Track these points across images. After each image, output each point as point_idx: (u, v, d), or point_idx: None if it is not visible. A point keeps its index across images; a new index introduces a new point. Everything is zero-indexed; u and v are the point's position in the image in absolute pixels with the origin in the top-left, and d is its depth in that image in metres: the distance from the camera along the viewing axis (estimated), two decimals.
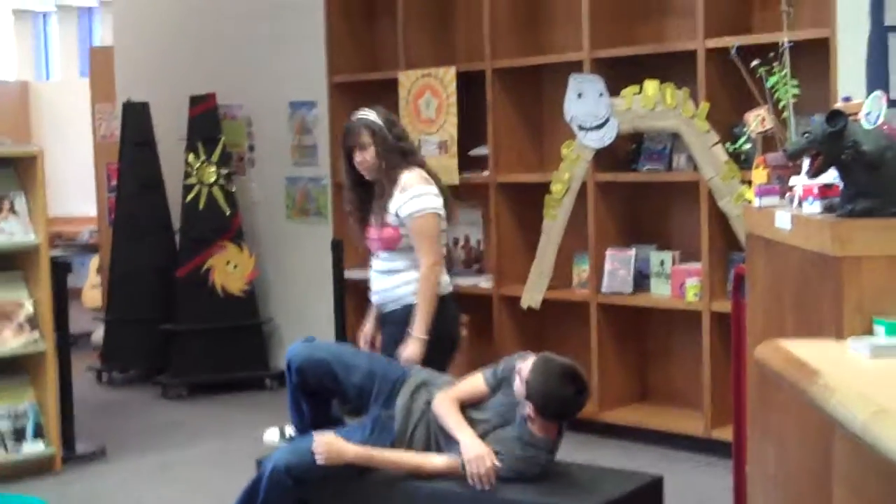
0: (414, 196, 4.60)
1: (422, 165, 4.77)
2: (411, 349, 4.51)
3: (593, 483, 3.87)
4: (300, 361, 4.31)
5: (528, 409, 3.80)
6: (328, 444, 3.97)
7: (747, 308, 3.44)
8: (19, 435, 5.90)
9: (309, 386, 4.31)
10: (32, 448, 5.92)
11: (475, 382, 4.05)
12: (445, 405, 3.99)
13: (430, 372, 4.25)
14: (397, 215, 4.60)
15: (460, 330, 4.90)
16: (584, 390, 3.81)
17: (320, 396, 4.39)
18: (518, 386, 3.83)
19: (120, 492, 5.68)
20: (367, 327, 4.94)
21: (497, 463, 3.81)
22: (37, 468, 5.94)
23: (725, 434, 5.48)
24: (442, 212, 4.67)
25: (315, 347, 4.40)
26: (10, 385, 5.96)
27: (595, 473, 4.11)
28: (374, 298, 4.80)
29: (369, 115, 4.72)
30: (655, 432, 6.15)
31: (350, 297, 7.17)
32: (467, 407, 4.00)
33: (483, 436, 3.90)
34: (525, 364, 3.85)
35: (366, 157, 4.64)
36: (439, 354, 4.55)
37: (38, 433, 5.95)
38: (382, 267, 4.71)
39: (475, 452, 3.82)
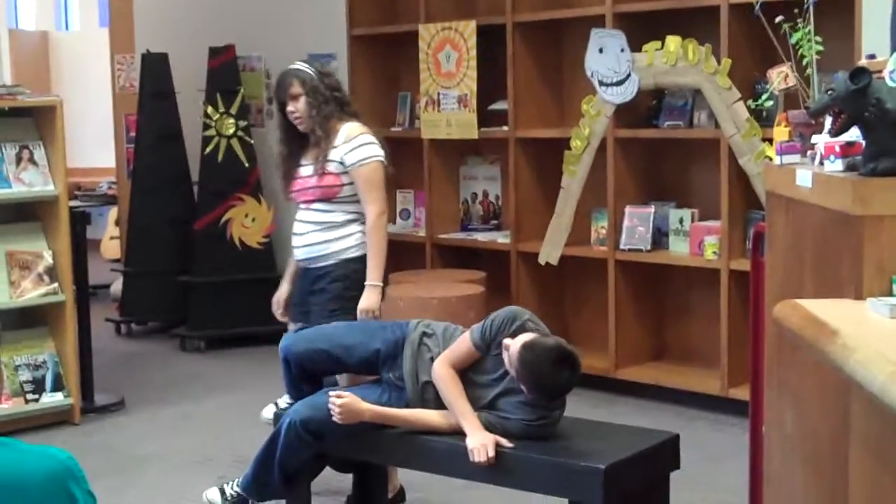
0: (361, 144, 4.54)
1: (357, 117, 4.69)
2: (371, 298, 4.47)
3: (608, 440, 3.87)
4: (298, 356, 4.25)
5: (524, 388, 3.77)
6: (344, 405, 3.97)
7: (766, 267, 3.42)
8: (39, 386, 5.93)
9: (309, 373, 4.28)
10: (51, 399, 5.96)
11: (465, 346, 3.95)
12: (446, 381, 3.91)
13: (427, 323, 4.20)
14: (341, 163, 4.52)
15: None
16: (576, 368, 3.74)
17: (321, 378, 4.36)
18: (509, 367, 3.78)
19: (138, 443, 5.71)
20: (284, 290, 4.82)
21: (507, 444, 3.78)
22: (56, 419, 5.99)
23: (742, 393, 5.48)
24: (386, 162, 4.61)
25: (309, 339, 4.29)
26: (29, 336, 6.00)
27: (610, 431, 4.10)
28: (302, 253, 4.64)
29: (299, 65, 4.68)
30: (672, 390, 6.14)
31: None
32: (468, 371, 3.95)
33: (490, 402, 3.88)
34: (512, 344, 3.76)
35: (297, 107, 4.56)
36: (355, 305, 4.51)
37: (58, 384, 5.98)
38: (317, 219, 4.58)
39: (479, 441, 3.79)
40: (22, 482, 2.13)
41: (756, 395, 3.95)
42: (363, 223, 4.56)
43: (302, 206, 4.64)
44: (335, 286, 4.56)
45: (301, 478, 4.23)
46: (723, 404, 5.90)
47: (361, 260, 4.55)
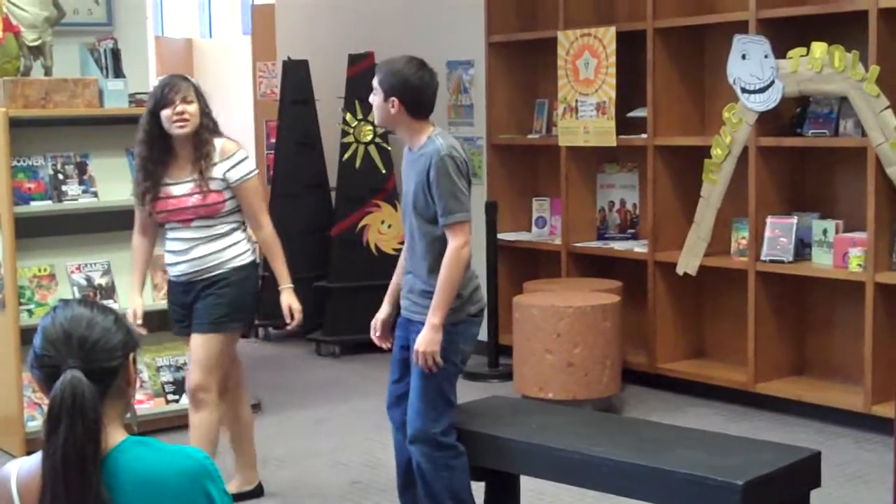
0: (243, 159, 4.66)
1: (223, 134, 4.73)
2: (294, 298, 4.78)
3: (747, 456, 3.78)
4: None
5: (392, 108, 4.12)
6: (426, 349, 4.09)
7: None
8: (179, 387, 6.05)
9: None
10: None
11: None
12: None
13: None
14: (224, 180, 4.59)
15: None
16: (433, 72, 4.06)
17: None
18: (379, 106, 4.06)
19: (273, 445, 5.78)
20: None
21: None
22: None
23: (887, 410, 5.32)
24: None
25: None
26: (171, 338, 6.09)
27: (749, 446, 4.01)
28: (189, 266, 4.66)
29: (184, 76, 4.73)
30: (813, 406, 5.99)
31: (503, 260, 7.16)
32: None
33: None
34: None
35: (188, 110, 4.53)
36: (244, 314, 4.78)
37: None
38: (201, 234, 4.61)
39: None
40: (161, 479, 2.16)
41: None
42: (244, 230, 4.73)
43: (177, 225, 4.67)
44: (227, 291, 4.64)
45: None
46: (866, 421, 5.73)
47: (251, 266, 4.74)
